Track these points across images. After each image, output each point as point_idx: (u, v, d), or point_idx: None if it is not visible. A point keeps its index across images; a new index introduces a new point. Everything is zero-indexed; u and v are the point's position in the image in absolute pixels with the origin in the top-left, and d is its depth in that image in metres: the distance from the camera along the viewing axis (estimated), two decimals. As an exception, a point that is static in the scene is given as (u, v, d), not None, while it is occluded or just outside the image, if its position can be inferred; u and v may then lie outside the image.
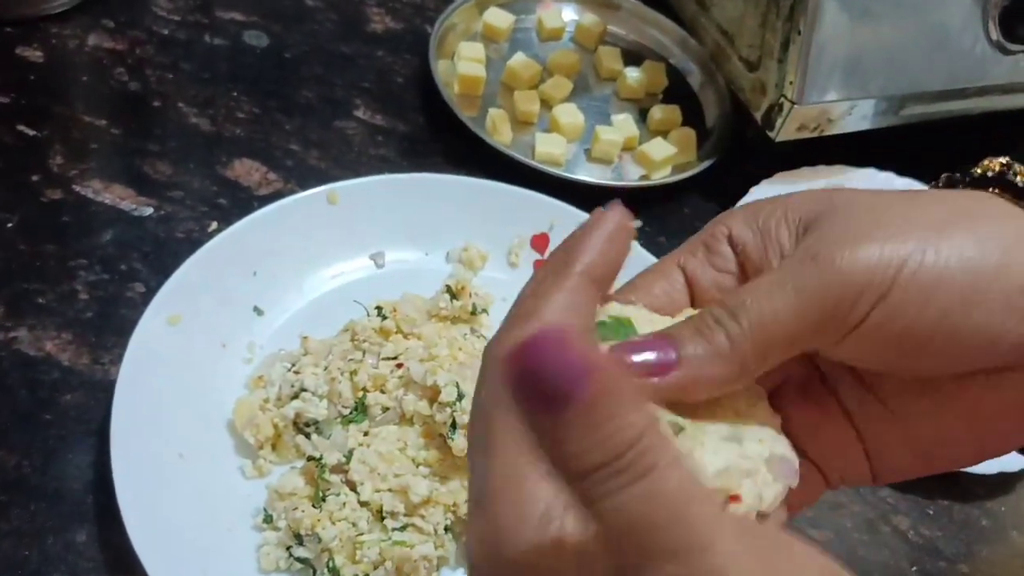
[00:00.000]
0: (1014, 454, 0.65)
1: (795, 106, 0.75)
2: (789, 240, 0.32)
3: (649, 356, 0.29)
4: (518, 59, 0.82)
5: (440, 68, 0.79)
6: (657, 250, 0.71)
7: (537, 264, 0.70)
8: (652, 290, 0.33)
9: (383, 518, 0.53)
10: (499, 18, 0.85)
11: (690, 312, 0.33)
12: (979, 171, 0.39)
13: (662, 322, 0.32)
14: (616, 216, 0.30)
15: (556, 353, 0.21)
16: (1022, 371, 0.31)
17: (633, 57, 0.87)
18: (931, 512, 0.65)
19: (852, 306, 0.30)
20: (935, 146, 0.84)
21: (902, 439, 0.34)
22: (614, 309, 0.32)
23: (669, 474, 0.22)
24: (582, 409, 0.22)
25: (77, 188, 0.68)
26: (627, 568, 0.23)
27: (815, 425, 0.34)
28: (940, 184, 0.48)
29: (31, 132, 0.71)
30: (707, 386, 0.30)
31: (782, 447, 0.31)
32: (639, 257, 0.69)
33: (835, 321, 0.30)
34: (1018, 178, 0.36)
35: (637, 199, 0.78)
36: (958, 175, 0.49)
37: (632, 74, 0.84)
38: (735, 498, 0.29)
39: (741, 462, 0.29)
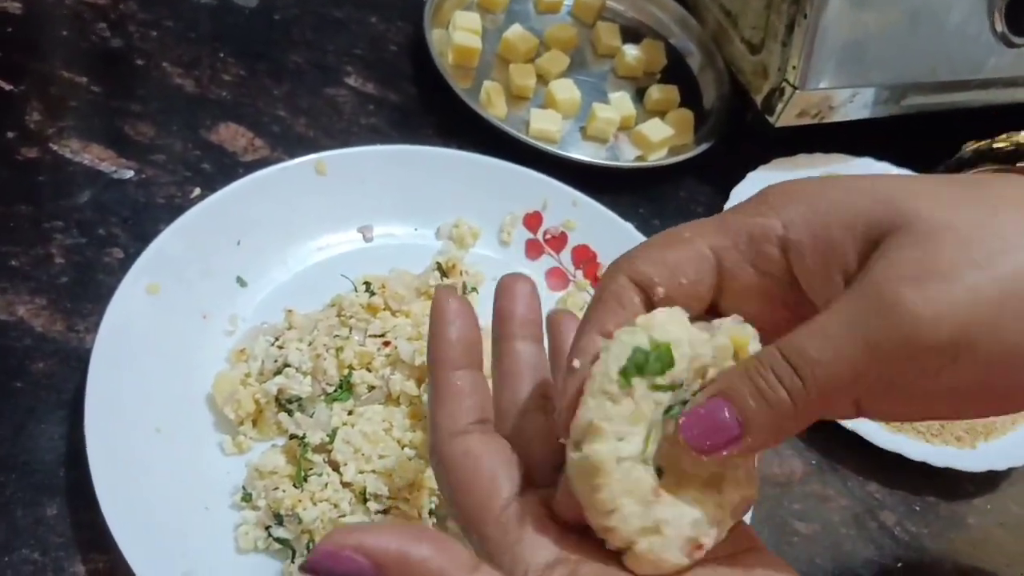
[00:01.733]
0: (1002, 452, 0.65)
1: (797, 91, 0.73)
2: (854, 255, 0.29)
3: (714, 434, 0.29)
4: (515, 31, 0.80)
5: (435, 37, 0.77)
6: (651, 232, 0.70)
7: (530, 244, 0.69)
8: (678, 275, 0.31)
9: (366, 500, 0.51)
10: (496, -12, 0.83)
11: (728, 325, 0.31)
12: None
13: (700, 341, 0.30)
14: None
15: (337, 568, 0.25)
16: None
17: (632, 34, 0.85)
18: (918, 508, 0.65)
19: (924, 366, 0.27)
20: (932, 136, 0.83)
21: (893, 399, 0.31)
22: (656, 325, 0.30)
23: None
24: None
25: (54, 147, 0.66)
26: None
27: None
28: (968, 153, 0.46)
29: (7, 87, 0.68)
30: (772, 445, 0.30)
31: (753, 485, 0.32)
32: (633, 238, 0.68)
33: (903, 377, 0.28)
34: None
35: (633, 180, 0.77)
36: (985, 145, 0.47)
37: (630, 52, 0.82)
38: (699, 547, 0.30)
39: (715, 512, 0.30)
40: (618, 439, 0.29)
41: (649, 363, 0.29)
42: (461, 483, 0.31)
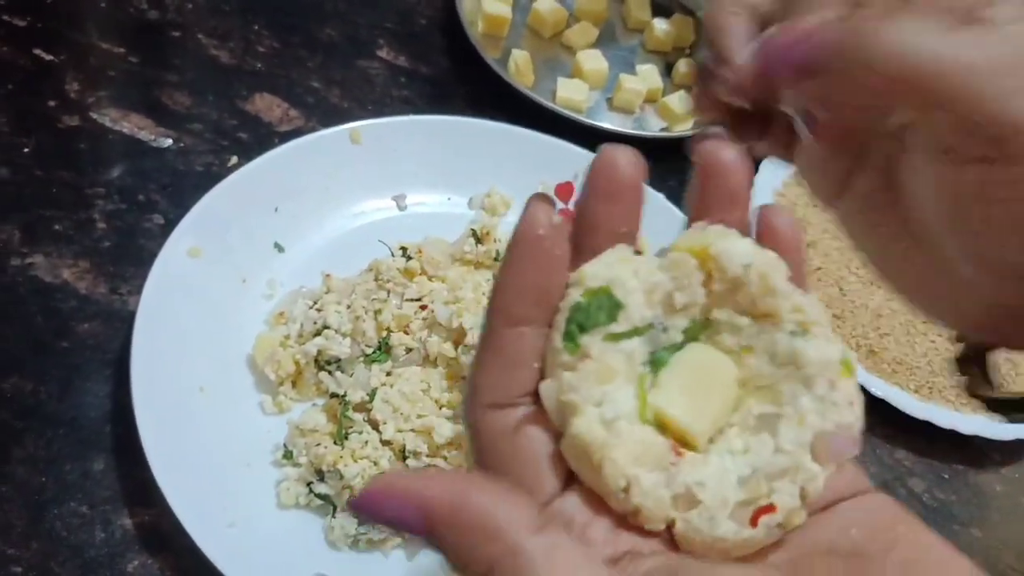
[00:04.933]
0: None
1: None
2: None
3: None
4: (544, 2, 0.80)
5: (466, 7, 0.78)
6: (678, 203, 0.70)
7: (562, 213, 0.69)
8: None
9: (405, 457, 0.52)
10: (527, -39, 0.83)
11: (683, 236, 0.26)
12: None
13: (649, 269, 0.26)
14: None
15: (386, 507, 0.22)
16: None
17: (662, 9, 0.85)
18: (946, 476, 0.65)
19: None
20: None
21: None
22: (587, 276, 0.25)
23: None
24: (435, 545, 0.22)
25: (94, 116, 0.67)
26: None
27: None
28: None
29: (47, 57, 0.69)
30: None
31: (834, 415, 0.24)
32: (663, 208, 0.68)
33: None
34: None
35: (658, 150, 0.77)
36: None
37: (660, 26, 0.83)
38: (767, 509, 0.23)
39: (773, 460, 0.24)
40: (595, 404, 0.24)
41: (591, 315, 0.25)
42: (495, 469, 0.25)
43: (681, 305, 0.26)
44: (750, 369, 0.25)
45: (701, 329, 0.26)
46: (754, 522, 0.23)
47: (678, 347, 0.26)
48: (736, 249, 0.25)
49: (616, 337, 0.25)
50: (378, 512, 0.22)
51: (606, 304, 0.25)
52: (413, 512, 0.22)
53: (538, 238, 0.25)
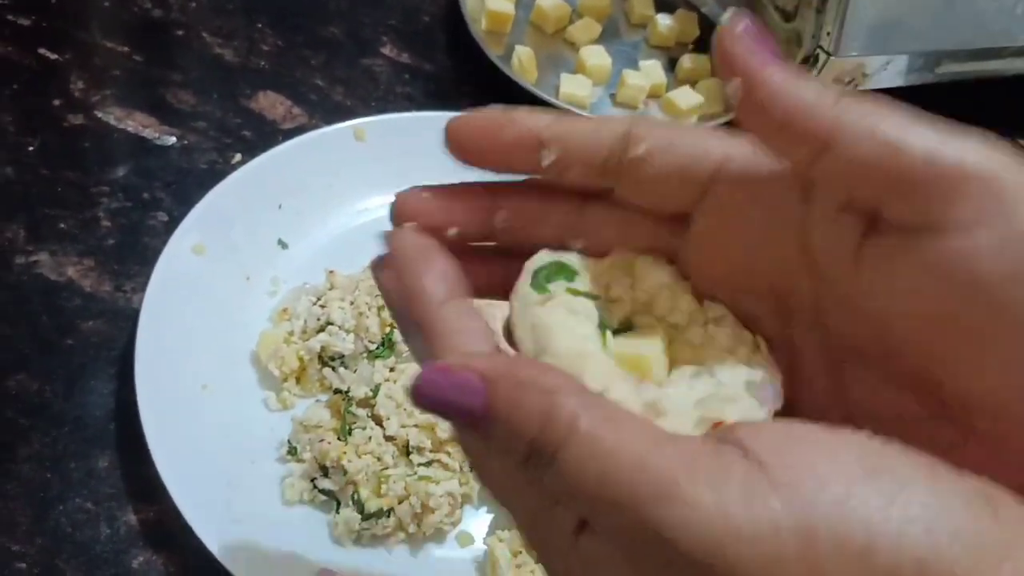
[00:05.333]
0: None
1: (831, 58, 0.73)
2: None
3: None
4: (548, -1, 0.80)
5: (469, 4, 0.78)
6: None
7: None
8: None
9: (409, 453, 0.52)
10: (530, -43, 0.83)
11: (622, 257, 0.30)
12: None
13: (596, 267, 0.30)
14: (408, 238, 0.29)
15: (445, 382, 0.23)
16: None
17: (665, 4, 0.85)
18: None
19: None
20: (966, 107, 0.83)
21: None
22: (536, 259, 0.29)
23: (575, 450, 0.22)
24: (492, 416, 0.23)
25: (99, 114, 0.67)
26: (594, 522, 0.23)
27: None
28: None
29: (52, 56, 0.69)
30: None
31: (759, 371, 0.28)
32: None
33: None
34: None
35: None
36: None
37: (664, 21, 0.83)
38: (719, 423, 0.26)
39: (720, 390, 0.27)
40: (567, 331, 0.27)
41: (552, 273, 0.29)
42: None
43: (616, 296, 0.29)
44: (681, 345, 0.29)
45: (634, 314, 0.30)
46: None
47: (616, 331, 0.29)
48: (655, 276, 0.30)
49: (576, 293, 0.28)
50: (440, 386, 0.23)
51: (565, 268, 0.29)
52: (474, 379, 0.23)
53: (419, 240, 0.30)
